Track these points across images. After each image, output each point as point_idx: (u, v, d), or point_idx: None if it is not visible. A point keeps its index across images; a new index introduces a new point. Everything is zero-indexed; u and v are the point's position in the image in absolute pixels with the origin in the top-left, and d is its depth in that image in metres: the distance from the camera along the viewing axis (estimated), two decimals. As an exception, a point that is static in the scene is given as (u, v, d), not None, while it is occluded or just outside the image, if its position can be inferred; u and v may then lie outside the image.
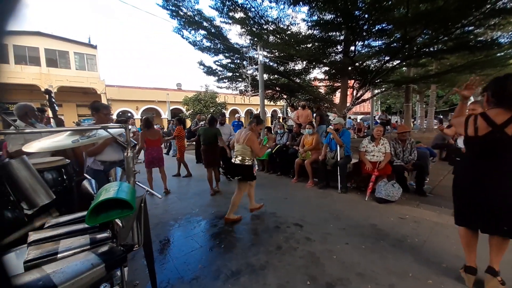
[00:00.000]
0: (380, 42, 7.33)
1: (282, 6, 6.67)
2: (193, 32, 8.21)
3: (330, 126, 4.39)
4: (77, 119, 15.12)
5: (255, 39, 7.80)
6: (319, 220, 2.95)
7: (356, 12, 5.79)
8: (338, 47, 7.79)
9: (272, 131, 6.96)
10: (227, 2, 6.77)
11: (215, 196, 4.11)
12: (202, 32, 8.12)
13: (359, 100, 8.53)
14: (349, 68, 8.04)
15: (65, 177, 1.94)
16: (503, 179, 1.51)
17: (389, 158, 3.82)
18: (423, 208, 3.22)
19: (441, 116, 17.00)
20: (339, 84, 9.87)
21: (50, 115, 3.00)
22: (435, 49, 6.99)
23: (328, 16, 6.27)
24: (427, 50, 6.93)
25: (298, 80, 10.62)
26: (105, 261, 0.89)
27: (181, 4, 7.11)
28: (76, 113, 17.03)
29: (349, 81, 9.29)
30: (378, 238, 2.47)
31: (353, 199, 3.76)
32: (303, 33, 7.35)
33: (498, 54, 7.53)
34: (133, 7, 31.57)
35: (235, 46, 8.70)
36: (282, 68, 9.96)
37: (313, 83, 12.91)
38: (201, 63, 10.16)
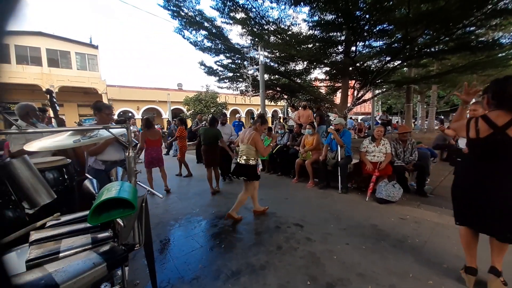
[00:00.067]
0: (381, 42, 7.34)
1: (283, 7, 6.70)
2: (194, 32, 8.25)
3: (331, 126, 4.38)
4: (78, 119, 15.15)
5: (256, 39, 7.82)
6: (320, 220, 2.95)
7: (357, 12, 5.79)
8: (339, 47, 7.79)
9: (273, 131, 6.96)
10: (228, 3, 6.79)
11: (215, 196, 4.11)
12: (203, 32, 8.15)
13: (360, 100, 8.53)
14: (350, 69, 8.04)
15: (66, 176, 1.95)
16: (504, 181, 1.51)
17: (389, 158, 3.82)
18: (423, 209, 3.22)
19: (442, 117, 16.96)
20: (340, 85, 9.88)
21: (51, 115, 3.01)
22: (436, 49, 6.99)
23: (329, 17, 6.28)
24: (428, 50, 6.93)
25: (298, 81, 10.63)
26: (106, 260, 0.89)
27: (182, 4, 7.13)
28: (77, 113, 17.08)
29: (350, 82, 9.29)
30: (379, 238, 2.47)
31: (353, 199, 3.75)
32: (304, 34, 7.35)
33: (500, 55, 7.52)
34: (133, 7, 31.65)
35: (236, 46, 8.72)
36: (283, 69, 9.97)
37: (314, 83, 12.91)
38: (202, 63, 10.19)
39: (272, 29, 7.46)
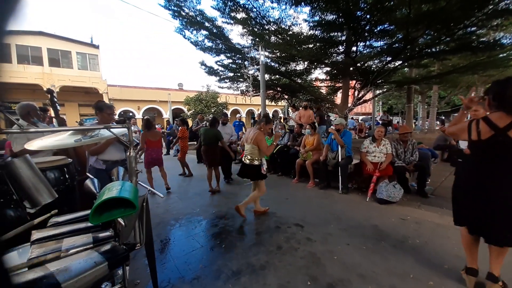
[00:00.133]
0: (382, 42, 7.33)
1: (283, 7, 6.69)
2: (195, 32, 8.25)
3: (331, 127, 4.38)
4: (79, 119, 15.17)
5: (257, 39, 7.82)
6: (320, 221, 2.95)
7: (358, 12, 5.79)
8: (340, 47, 7.78)
9: (274, 132, 6.95)
10: (229, 3, 6.79)
11: (215, 196, 4.12)
12: (204, 32, 8.16)
13: (361, 100, 8.52)
14: (351, 69, 8.03)
15: (67, 176, 1.96)
16: (504, 181, 1.51)
17: (390, 159, 3.82)
18: (424, 209, 3.21)
19: (443, 117, 16.96)
20: (341, 85, 9.86)
21: (52, 114, 3.02)
22: (437, 49, 6.97)
23: (330, 17, 6.28)
24: (429, 50, 6.92)
25: (299, 81, 10.63)
26: (108, 259, 0.89)
27: (183, 4, 7.14)
28: (78, 113, 17.11)
29: (350, 82, 9.28)
30: (379, 239, 2.47)
31: (354, 199, 3.75)
32: (304, 34, 7.35)
33: (501, 55, 7.50)
34: (133, 7, 31.63)
35: (237, 46, 8.72)
36: (283, 69, 9.96)
37: (314, 83, 12.89)
38: (202, 63, 10.20)
39: (272, 29, 7.46)
